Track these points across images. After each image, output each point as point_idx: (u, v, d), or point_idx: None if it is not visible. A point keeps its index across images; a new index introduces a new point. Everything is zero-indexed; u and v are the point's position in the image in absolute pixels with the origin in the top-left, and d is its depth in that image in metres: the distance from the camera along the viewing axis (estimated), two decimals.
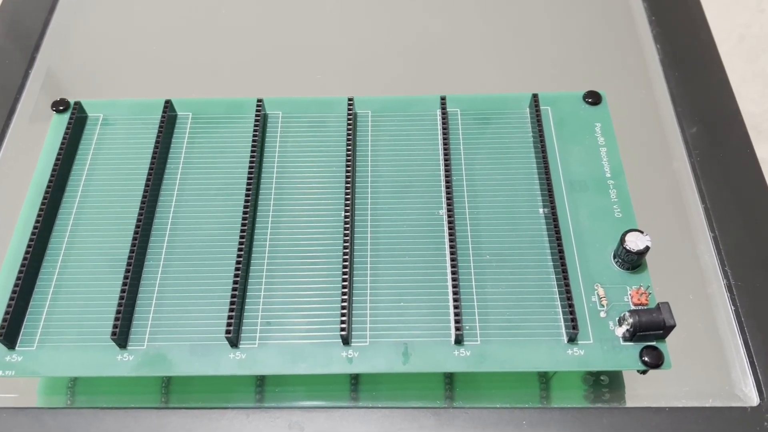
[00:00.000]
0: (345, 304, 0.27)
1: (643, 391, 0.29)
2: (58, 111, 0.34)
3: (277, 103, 0.34)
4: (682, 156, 0.35)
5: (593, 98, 0.34)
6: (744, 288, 0.30)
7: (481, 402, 0.28)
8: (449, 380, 0.28)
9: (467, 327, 0.27)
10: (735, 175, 0.34)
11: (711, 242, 0.32)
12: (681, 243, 0.32)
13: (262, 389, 0.28)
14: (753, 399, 0.28)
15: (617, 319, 0.27)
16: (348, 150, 0.32)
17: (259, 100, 0.34)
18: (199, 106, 0.35)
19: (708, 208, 0.33)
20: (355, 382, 0.28)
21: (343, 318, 0.27)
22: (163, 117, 0.33)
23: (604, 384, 0.28)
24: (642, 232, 0.28)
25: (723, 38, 0.82)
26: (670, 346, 0.28)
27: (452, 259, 0.28)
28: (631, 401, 0.28)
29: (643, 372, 0.27)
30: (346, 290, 0.27)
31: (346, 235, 0.29)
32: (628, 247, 0.27)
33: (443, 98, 0.33)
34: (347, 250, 0.28)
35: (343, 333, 0.26)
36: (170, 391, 0.28)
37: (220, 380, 0.28)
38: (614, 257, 0.28)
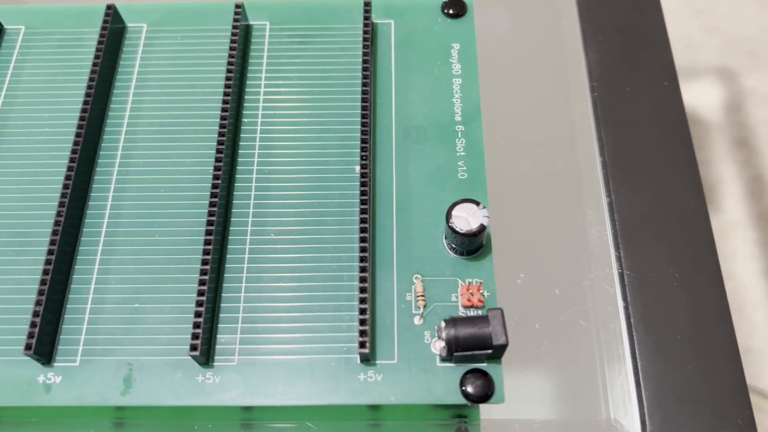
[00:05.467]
0: (40, 307, 0.20)
1: (500, 415, 0.22)
2: None
3: (19, 14, 0.27)
4: (583, 91, 0.27)
5: (455, 8, 0.26)
6: (637, 281, 0.23)
7: None
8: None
9: (222, 340, 0.21)
10: (646, 117, 0.26)
11: (605, 210, 0.25)
12: (559, 213, 0.25)
13: None
14: None
15: (435, 328, 0.20)
16: (91, 77, 0.24)
17: None
18: None
19: (605, 163, 0.26)
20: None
21: (34, 328, 0.20)
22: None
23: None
24: (477, 204, 0.21)
25: None
26: (525, 355, 0.21)
27: (209, 242, 0.21)
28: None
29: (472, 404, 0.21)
30: (45, 286, 0.20)
31: (63, 204, 0.22)
32: (453, 226, 0.20)
33: (239, 6, 0.25)
34: (59, 228, 0.21)
35: (27, 352, 0.19)
36: None
37: None
38: (446, 238, 0.22)
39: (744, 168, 0.64)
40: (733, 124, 0.67)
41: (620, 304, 0.24)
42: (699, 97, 0.68)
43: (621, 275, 0.24)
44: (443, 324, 0.19)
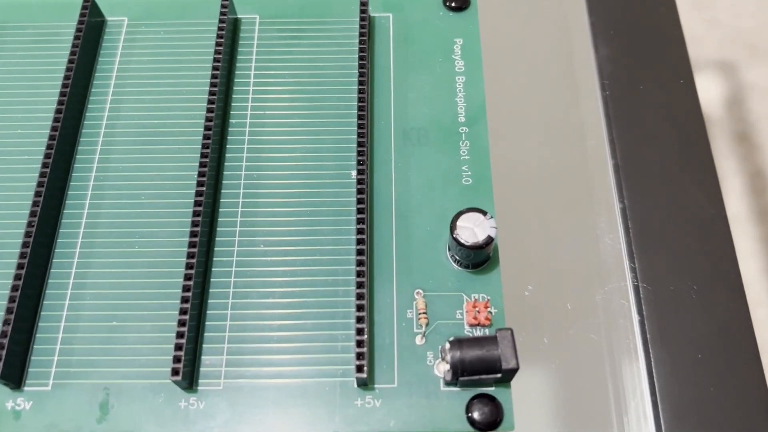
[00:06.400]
0: (8, 327, 0.18)
1: None
2: None
3: None
4: (593, 89, 0.26)
5: (458, 1, 0.24)
6: (653, 294, 0.22)
7: None
8: None
9: (206, 363, 0.19)
10: (661, 117, 0.25)
11: (618, 216, 0.24)
12: (569, 219, 0.23)
13: None
14: None
15: (439, 349, 0.19)
16: (67, 75, 0.22)
17: None
18: None
19: (618, 166, 0.24)
20: None
21: (2, 350, 0.18)
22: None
23: None
24: (484, 214, 0.19)
25: None
26: (534, 374, 0.20)
27: (192, 254, 0.19)
28: None
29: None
30: (14, 303, 0.19)
31: (35, 214, 0.20)
32: (458, 238, 0.19)
33: None
34: (29, 239, 0.20)
35: None
36: None
37: None
38: (449, 250, 0.20)
39: (745, 163, 0.62)
40: (734, 118, 0.65)
41: (635, 318, 0.22)
42: (699, 91, 0.66)
43: (636, 288, 0.22)
44: (448, 345, 0.18)
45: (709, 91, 0.66)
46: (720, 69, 0.68)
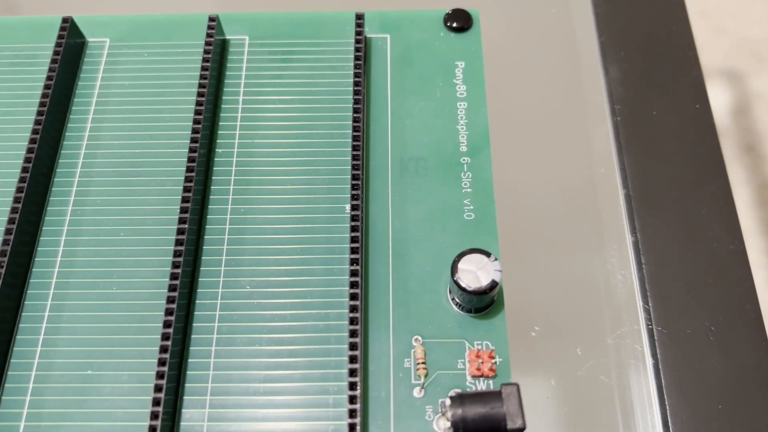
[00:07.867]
0: None
1: None
2: None
3: None
4: (603, 115, 0.25)
5: (460, 21, 0.23)
6: (668, 337, 0.20)
7: None
8: None
9: (187, 416, 0.17)
10: (675, 144, 0.23)
11: (630, 251, 0.22)
12: (577, 254, 0.22)
13: None
14: None
15: (439, 403, 0.17)
16: (43, 101, 0.21)
17: None
18: None
19: (630, 196, 0.23)
20: None
21: None
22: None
23: None
24: (488, 255, 0.18)
25: None
26: (542, 424, 0.18)
27: (173, 299, 0.18)
28: None
29: None
30: None
31: (4, 253, 0.19)
32: (460, 282, 0.17)
33: (213, 19, 0.22)
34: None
35: None
36: None
37: None
38: (450, 292, 0.19)
39: (752, 174, 0.61)
40: (741, 128, 0.64)
41: (649, 363, 0.21)
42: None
43: (650, 331, 0.21)
44: (448, 401, 0.16)
45: (716, 100, 0.65)
46: (726, 78, 0.67)
